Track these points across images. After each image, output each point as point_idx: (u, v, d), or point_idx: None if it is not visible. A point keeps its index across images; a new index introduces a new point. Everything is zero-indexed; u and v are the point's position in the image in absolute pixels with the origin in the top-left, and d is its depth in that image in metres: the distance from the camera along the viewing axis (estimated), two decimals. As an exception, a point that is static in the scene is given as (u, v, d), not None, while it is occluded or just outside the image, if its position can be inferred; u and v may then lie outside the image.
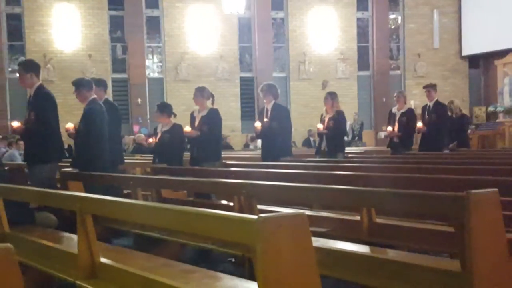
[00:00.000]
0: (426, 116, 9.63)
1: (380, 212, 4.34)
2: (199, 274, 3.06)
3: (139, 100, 17.53)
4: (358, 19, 20.21)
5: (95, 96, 6.69)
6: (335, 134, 8.77)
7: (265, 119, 7.74)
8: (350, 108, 19.32)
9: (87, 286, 3.19)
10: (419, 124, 9.49)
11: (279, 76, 19.34)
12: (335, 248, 3.58)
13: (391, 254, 3.50)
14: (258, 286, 2.07)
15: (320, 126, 8.86)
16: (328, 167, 6.58)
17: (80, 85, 6.60)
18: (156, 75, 18.46)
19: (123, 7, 17.83)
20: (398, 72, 20.75)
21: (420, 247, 3.89)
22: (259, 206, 4.41)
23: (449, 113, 10.48)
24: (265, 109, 7.92)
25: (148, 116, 17.34)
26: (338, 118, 8.76)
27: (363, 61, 20.32)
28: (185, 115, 18.29)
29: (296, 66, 19.33)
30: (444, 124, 9.67)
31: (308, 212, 4.54)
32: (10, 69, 17.20)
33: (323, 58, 19.47)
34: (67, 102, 16.82)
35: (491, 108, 19.39)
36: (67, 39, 17.03)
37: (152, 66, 18.57)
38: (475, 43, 20.22)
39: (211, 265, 5.22)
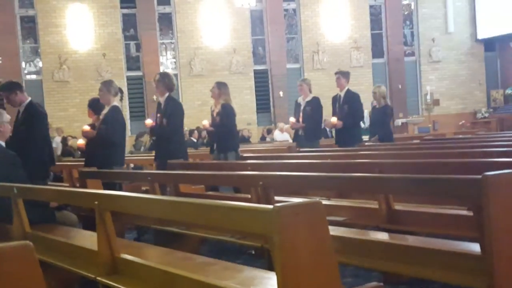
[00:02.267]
0: (338, 108, 8.63)
1: (398, 199, 4.33)
2: (219, 266, 3.07)
3: (154, 97, 17.57)
4: (371, 6, 20.05)
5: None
6: (219, 131, 7.59)
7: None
8: (365, 97, 19.19)
9: (108, 282, 3.22)
10: (333, 119, 8.49)
11: (293, 67, 19.29)
12: (353, 236, 3.58)
13: (411, 240, 3.48)
14: (276, 275, 2.07)
15: (205, 122, 7.77)
16: (344, 156, 6.56)
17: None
18: (170, 71, 18.47)
19: (135, 4, 17.89)
20: (413, 58, 20.57)
21: (440, 232, 3.87)
22: (277, 197, 4.41)
23: (375, 103, 9.33)
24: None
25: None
26: (225, 112, 7.54)
27: (377, 49, 20.17)
28: (200, 110, 18.47)
29: (309, 56, 19.26)
30: (357, 116, 8.67)
31: (325, 202, 4.55)
32: (26, 72, 17.36)
33: (336, 47, 19.36)
34: (83, 102, 16.95)
35: (508, 91, 19.17)
36: (81, 39, 17.15)
37: (166, 63, 18.62)
38: (490, 25, 19.96)
39: (231, 258, 5.25)
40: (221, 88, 7.64)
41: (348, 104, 8.49)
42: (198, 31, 18.23)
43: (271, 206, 2.07)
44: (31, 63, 17.54)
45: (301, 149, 7.91)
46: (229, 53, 18.44)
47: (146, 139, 15.27)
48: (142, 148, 14.47)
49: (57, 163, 8.14)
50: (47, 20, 17.03)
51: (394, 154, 6.09)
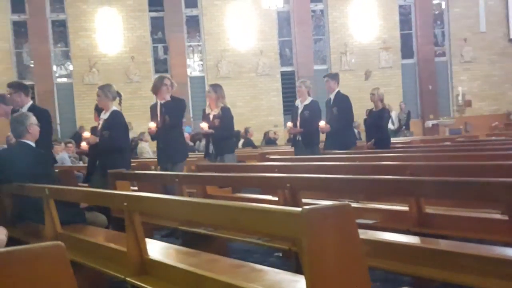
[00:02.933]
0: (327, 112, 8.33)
1: (429, 202, 4.25)
2: (247, 269, 3.06)
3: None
4: (400, 6, 19.84)
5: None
6: (222, 135, 7.36)
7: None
8: (394, 98, 19.03)
9: (137, 282, 3.23)
10: (322, 122, 8.06)
11: (320, 68, 19.18)
12: (383, 239, 3.53)
13: (443, 244, 3.42)
14: (305, 278, 2.05)
15: (204, 125, 7.41)
16: (372, 157, 6.49)
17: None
18: (197, 73, 18.59)
19: (163, 8, 18.02)
20: (444, 58, 20.28)
21: (472, 236, 3.79)
22: (304, 200, 4.38)
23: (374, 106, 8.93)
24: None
25: (191, 115, 17.49)
26: (226, 116, 7.40)
27: (406, 49, 19.93)
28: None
29: (337, 57, 19.14)
30: (346, 119, 8.20)
31: (354, 204, 4.50)
32: (57, 75, 17.63)
33: (365, 48, 19.21)
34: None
35: (542, 91, 18.76)
36: (110, 43, 17.34)
37: (193, 65, 18.71)
38: (523, 25, 19.59)
39: (258, 260, 5.23)
40: (217, 91, 7.42)
41: (337, 107, 8.16)
42: (225, 33, 18.28)
43: (299, 209, 2.05)
44: (62, 66, 17.81)
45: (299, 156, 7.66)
46: (255, 55, 18.44)
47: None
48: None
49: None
50: (77, 24, 17.27)
51: (425, 156, 6.00)
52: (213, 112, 7.43)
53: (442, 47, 20.40)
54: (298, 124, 8.14)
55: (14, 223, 5.38)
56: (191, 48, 18.67)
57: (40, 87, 16.95)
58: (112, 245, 3.87)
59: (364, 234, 3.49)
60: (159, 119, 6.93)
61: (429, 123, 19.22)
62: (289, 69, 19.13)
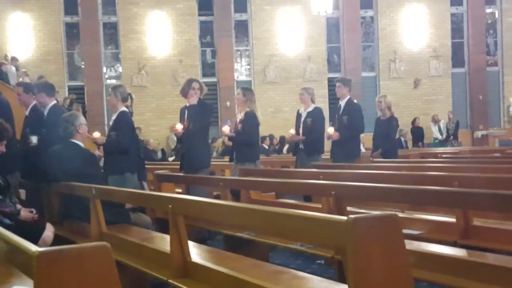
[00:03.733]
0: (337, 119, 8.02)
1: (477, 214, 4.15)
2: (289, 275, 3.04)
3: (228, 103, 17.80)
4: (452, 15, 19.45)
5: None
6: (242, 140, 7.16)
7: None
8: (443, 107, 18.70)
9: (179, 285, 3.26)
10: (330, 129, 7.79)
11: (368, 75, 19.01)
12: (429, 251, 3.47)
13: (490, 258, 3.34)
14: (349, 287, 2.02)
15: (226, 128, 7.34)
16: (420, 168, 6.38)
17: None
18: (244, 78, 18.67)
19: (213, 12, 18.20)
20: (496, 68, 19.77)
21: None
22: (349, 208, 4.33)
23: (379, 113, 8.83)
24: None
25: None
26: (248, 121, 7.14)
27: (457, 58, 19.53)
28: (273, 117, 18.52)
29: (386, 65, 18.91)
30: (356, 129, 7.79)
31: (400, 214, 4.43)
32: (107, 76, 18.01)
33: (414, 56, 18.91)
34: (160, 107, 17.45)
35: None
36: (159, 46, 17.60)
37: (240, 69, 18.81)
38: None
39: (300, 267, 5.21)
40: (246, 94, 7.26)
41: (348, 115, 7.77)
42: (274, 38, 18.30)
43: (345, 217, 2.03)
44: (112, 68, 18.18)
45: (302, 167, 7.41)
46: (303, 61, 18.39)
47: (219, 144, 15.48)
48: (215, 153, 14.66)
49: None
50: (128, 26, 17.60)
51: (473, 168, 5.86)
52: (239, 116, 7.33)
53: (494, 56, 19.90)
54: (301, 131, 7.84)
55: (61, 221, 5.52)
56: (239, 53, 18.78)
57: (90, 88, 17.37)
58: (156, 247, 3.91)
59: (409, 244, 3.43)
60: (185, 122, 6.86)
61: (479, 134, 18.78)
62: (336, 75, 18.97)
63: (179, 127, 6.80)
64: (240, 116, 7.28)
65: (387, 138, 8.42)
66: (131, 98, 6.63)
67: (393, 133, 8.46)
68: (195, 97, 6.83)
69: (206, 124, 6.99)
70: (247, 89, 7.48)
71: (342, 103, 7.94)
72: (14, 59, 15.58)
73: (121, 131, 6.24)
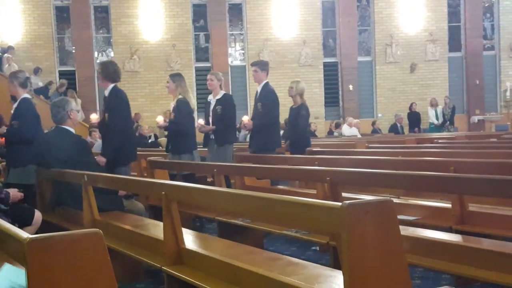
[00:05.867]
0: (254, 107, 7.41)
1: (472, 199, 4.14)
2: (283, 262, 3.04)
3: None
4: (449, -2, 19.38)
5: None
6: (176, 130, 6.82)
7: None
8: (440, 92, 18.67)
9: (173, 272, 3.25)
10: (244, 118, 7.21)
11: (364, 60, 18.94)
12: (425, 236, 3.47)
13: (485, 243, 3.34)
14: (343, 274, 2.02)
15: (160, 119, 7.14)
16: (416, 153, 6.37)
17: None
18: (238, 62, 18.59)
19: (206, -5, 18.06)
20: (493, 52, 19.72)
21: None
22: (344, 194, 4.32)
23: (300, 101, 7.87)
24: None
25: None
26: (180, 109, 6.78)
27: (454, 42, 19.46)
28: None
29: (382, 49, 18.84)
30: (270, 117, 7.10)
31: (395, 200, 4.41)
32: (98, 61, 17.87)
33: (411, 40, 18.83)
34: (152, 93, 17.37)
35: None
36: (151, 30, 17.45)
37: (234, 54, 18.72)
38: None
39: (295, 253, 5.20)
40: (175, 81, 6.84)
41: (262, 102, 7.15)
42: (268, 22, 18.18)
43: (340, 203, 2.02)
44: (103, 53, 18.03)
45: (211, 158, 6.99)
46: (298, 45, 18.30)
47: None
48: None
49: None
50: (120, 10, 17.42)
51: (469, 153, 5.85)
52: (172, 103, 6.97)
53: (491, 40, 19.84)
54: (210, 120, 7.20)
55: (53, 208, 5.49)
56: (233, 37, 18.67)
57: (81, 73, 17.23)
58: (149, 234, 3.90)
59: (405, 230, 3.42)
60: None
61: (475, 119, 18.80)
62: (332, 60, 18.94)
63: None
64: (172, 104, 6.92)
65: (296, 129, 7.73)
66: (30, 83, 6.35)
67: (302, 122, 7.69)
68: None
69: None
70: (175, 75, 7.05)
71: (259, 88, 7.30)
72: (10, 48, 15.57)
73: (23, 119, 5.91)
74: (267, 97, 7.14)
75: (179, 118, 6.73)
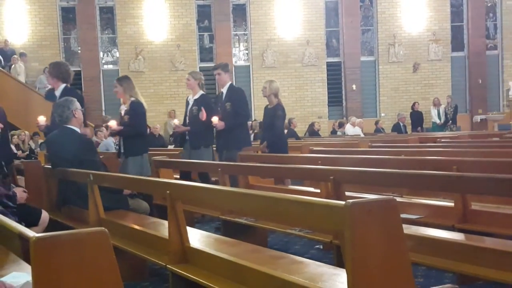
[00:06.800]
0: (220, 108, 7.19)
1: (475, 198, 4.16)
2: (287, 260, 3.05)
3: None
4: (452, -2, 19.36)
5: None
6: (131, 133, 6.49)
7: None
8: (443, 91, 18.66)
9: (177, 270, 3.27)
10: (214, 119, 6.86)
11: (367, 59, 18.94)
12: (427, 235, 3.48)
13: (488, 241, 3.35)
14: (347, 272, 2.03)
15: (113, 123, 6.85)
16: (419, 152, 6.38)
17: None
18: (242, 63, 18.59)
19: (211, -4, 18.08)
20: (495, 52, 19.70)
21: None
22: (347, 193, 4.33)
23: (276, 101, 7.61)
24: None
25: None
26: (135, 111, 6.50)
27: (457, 42, 19.44)
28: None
29: (385, 49, 18.84)
30: (242, 116, 7.09)
31: (398, 199, 4.43)
32: (103, 61, 17.92)
33: (414, 40, 18.83)
34: (157, 93, 17.39)
35: None
36: (156, 31, 17.48)
37: (238, 54, 18.73)
38: None
39: (299, 252, 5.22)
40: (123, 84, 6.64)
41: (231, 102, 7.02)
42: (272, 22, 18.19)
43: (343, 202, 2.03)
44: (109, 53, 18.06)
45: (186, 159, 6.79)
46: (302, 45, 18.31)
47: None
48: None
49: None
50: (125, 11, 17.47)
51: (472, 152, 5.85)
52: (123, 107, 6.74)
53: (493, 40, 19.81)
54: (187, 121, 7.13)
55: (59, 207, 5.52)
56: (237, 37, 18.68)
57: (87, 73, 17.27)
58: (154, 232, 3.92)
59: (408, 229, 3.44)
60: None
61: (478, 118, 18.77)
62: (335, 60, 18.94)
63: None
64: (125, 107, 6.68)
65: (273, 129, 7.51)
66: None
67: (279, 123, 7.50)
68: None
69: None
70: (122, 78, 6.87)
71: (224, 90, 7.22)
72: (22, 55, 15.71)
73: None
74: (238, 97, 7.08)
75: (134, 120, 6.46)
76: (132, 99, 6.56)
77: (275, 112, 7.41)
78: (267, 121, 7.63)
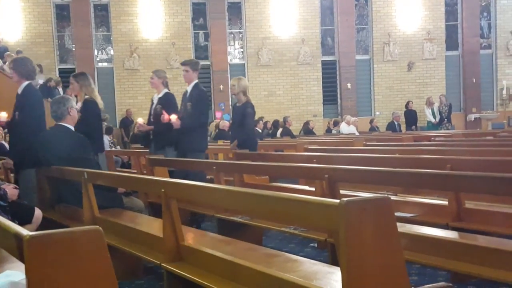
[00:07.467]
0: (182, 106, 6.99)
1: (469, 197, 4.17)
2: (282, 259, 3.05)
3: (221, 86, 17.76)
4: (446, -3, 19.42)
5: None
6: (87, 132, 5.88)
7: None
8: (437, 90, 18.71)
9: (172, 268, 3.26)
10: (172, 117, 6.56)
11: (362, 58, 18.98)
12: (422, 233, 3.49)
13: (482, 240, 3.36)
14: (341, 270, 2.03)
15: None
16: (413, 151, 6.39)
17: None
18: (237, 61, 18.58)
19: (205, -6, 18.05)
20: (489, 51, 19.77)
21: (512, 233, 3.70)
22: (342, 192, 4.34)
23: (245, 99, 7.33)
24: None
25: (231, 103, 17.53)
26: (86, 110, 6.24)
27: (451, 41, 19.50)
28: (267, 101, 18.55)
29: (380, 47, 18.88)
30: (198, 118, 6.72)
31: (393, 197, 4.44)
32: (98, 59, 17.87)
33: (408, 39, 18.88)
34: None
35: None
36: (151, 28, 17.46)
37: (233, 52, 18.71)
38: None
39: (293, 250, 5.23)
40: (79, 80, 6.43)
41: (192, 102, 6.74)
42: (267, 20, 18.20)
43: (337, 200, 2.03)
44: (103, 51, 18.01)
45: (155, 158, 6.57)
46: (297, 44, 18.32)
47: (211, 129, 15.45)
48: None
49: (126, 150, 8.25)
50: (120, 8, 17.42)
51: (466, 151, 5.87)
52: (79, 104, 6.45)
53: (487, 39, 19.88)
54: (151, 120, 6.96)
55: (53, 205, 5.50)
56: (232, 35, 18.67)
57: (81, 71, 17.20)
58: (149, 231, 3.91)
59: (402, 227, 3.44)
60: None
61: (472, 117, 18.84)
62: (330, 58, 18.96)
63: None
64: (79, 104, 6.42)
65: (242, 127, 7.31)
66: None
67: (249, 121, 7.31)
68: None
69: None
70: (78, 74, 6.65)
71: (189, 88, 6.92)
72: (19, 52, 15.58)
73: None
74: (199, 98, 6.81)
75: (87, 120, 6.13)
76: (86, 97, 6.36)
77: (244, 110, 7.21)
78: (236, 119, 7.46)
